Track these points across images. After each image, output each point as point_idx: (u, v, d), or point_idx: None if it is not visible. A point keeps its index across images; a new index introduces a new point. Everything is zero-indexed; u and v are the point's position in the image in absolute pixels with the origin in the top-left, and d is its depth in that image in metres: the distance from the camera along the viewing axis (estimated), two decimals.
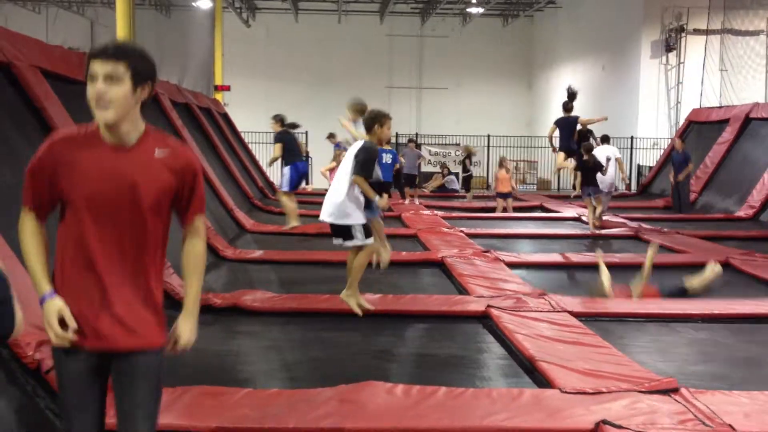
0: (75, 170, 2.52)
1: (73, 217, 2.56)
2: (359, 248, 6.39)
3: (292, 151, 12.09)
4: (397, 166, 15.69)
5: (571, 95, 12.61)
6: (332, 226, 6.39)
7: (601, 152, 12.97)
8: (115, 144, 2.56)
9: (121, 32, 12.91)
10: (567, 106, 12.59)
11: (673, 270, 9.24)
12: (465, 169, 18.35)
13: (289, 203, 12.10)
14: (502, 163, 15.87)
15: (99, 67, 2.48)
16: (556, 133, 12.87)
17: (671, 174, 15.41)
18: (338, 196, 6.20)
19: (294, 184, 12.19)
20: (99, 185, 2.52)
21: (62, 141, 2.57)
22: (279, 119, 12.15)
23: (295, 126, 12.51)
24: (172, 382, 4.60)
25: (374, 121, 6.22)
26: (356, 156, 6.14)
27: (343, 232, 6.31)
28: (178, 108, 12.59)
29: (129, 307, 2.60)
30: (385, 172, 15.28)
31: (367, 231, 6.31)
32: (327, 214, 6.34)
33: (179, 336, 2.72)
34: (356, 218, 6.26)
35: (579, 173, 12.58)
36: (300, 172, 12.30)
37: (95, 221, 2.54)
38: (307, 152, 19.57)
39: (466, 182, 18.28)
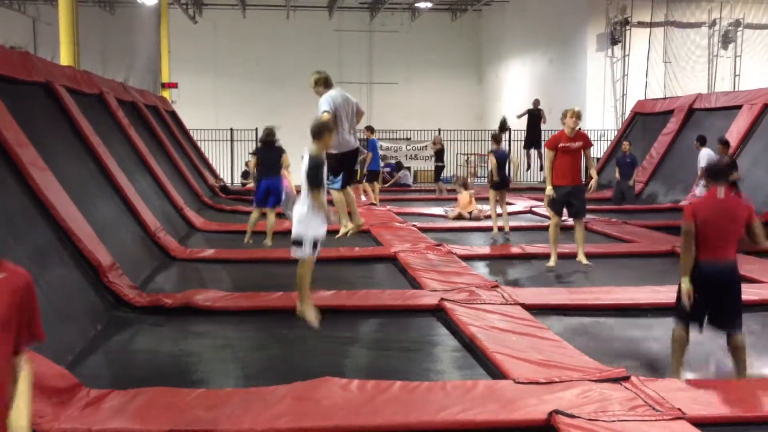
0: None
1: None
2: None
3: (265, 166, 10.79)
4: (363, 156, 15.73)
5: (503, 127, 12.33)
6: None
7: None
8: None
9: (64, 30, 12.65)
10: (498, 138, 12.11)
11: (622, 259, 9.43)
12: (439, 159, 18.54)
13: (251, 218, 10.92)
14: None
15: None
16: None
17: (617, 172, 15.86)
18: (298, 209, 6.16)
19: (259, 200, 10.82)
20: None
21: None
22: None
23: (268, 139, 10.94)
24: (124, 385, 4.54)
25: (326, 128, 6.17)
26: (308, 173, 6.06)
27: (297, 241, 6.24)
28: (124, 107, 12.38)
29: None
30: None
31: (315, 247, 6.21)
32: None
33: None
34: (309, 234, 6.18)
35: None
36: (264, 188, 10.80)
37: None
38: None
39: (438, 173, 18.49)
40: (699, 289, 5.14)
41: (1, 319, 2.45)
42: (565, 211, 8.91)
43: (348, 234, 7.55)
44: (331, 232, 7.10)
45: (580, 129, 8.88)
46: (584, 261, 8.74)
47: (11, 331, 2.49)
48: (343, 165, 7.58)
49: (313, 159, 5.98)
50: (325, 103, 7.62)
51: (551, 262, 8.77)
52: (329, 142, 6.17)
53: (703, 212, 5.18)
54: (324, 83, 7.82)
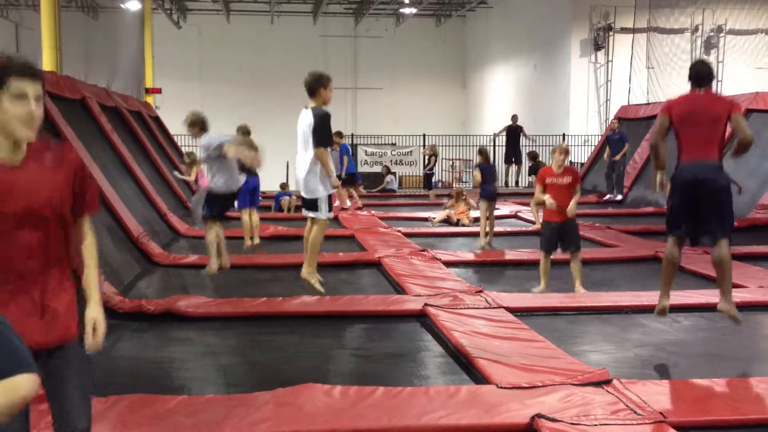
0: None
1: None
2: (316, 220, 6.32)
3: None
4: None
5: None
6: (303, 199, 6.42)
7: None
8: (8, 160, 2.55)
9: (47, 35, 12.59)
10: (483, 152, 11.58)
11: (604, 263, 9.46)
12: (430, 168, 18.62)
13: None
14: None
15: (30, 88, 2.49)
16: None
17: (607, 153, 15.96)
18: (302, 172, 6.08)
19: (242, 201, 10.16)
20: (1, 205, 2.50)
21: None
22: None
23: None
24: (104, 392, 4.50)
25: (318, 82, 5.93)
26: (314, 128, 5.86)
27: (311, 204, 6.20)
28: (107, 112, 12.32)
29: (42, 304, 2.61)
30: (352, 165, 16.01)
31: (330, 205, 6.23)
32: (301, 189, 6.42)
33: (96, 323, 2.74)
34: (321, 191, 6.15)
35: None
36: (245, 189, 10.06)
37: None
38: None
39: (428, 179, 18.57)
40: (681, 192, 4.71)
41: (56, 198, 2.57)
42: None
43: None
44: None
45: (570, 164, 8.75)
46: (582, 291, 7.96)
47: (67, 207, 2.63)
48: (227, 202, 7.88)
49: (319, 113, 5.67)
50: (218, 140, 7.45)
51: (539, 288, 7.99)
52: (326, 95, 5.88)
53: (680, 107, 4.77)
54: (201, 126, 7.54)
